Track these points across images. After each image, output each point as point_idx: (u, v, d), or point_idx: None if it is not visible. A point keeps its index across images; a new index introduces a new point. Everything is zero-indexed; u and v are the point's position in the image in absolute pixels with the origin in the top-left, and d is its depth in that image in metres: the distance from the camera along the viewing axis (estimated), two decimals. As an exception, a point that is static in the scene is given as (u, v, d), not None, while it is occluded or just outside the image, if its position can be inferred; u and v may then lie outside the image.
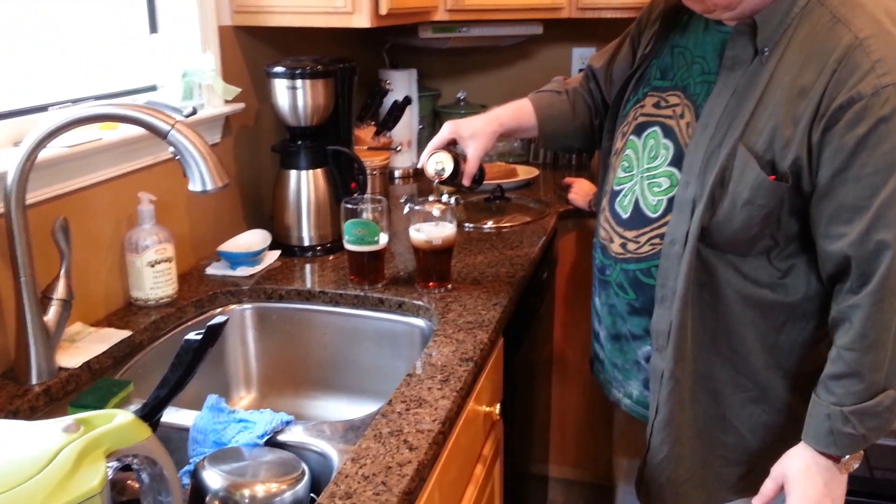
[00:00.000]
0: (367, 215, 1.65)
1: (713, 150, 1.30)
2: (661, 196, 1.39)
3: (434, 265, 1.65)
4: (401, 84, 2.56)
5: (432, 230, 1.62)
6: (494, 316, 1.54)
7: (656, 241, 1.39)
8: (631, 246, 1.44)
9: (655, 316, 1.40)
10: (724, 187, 1.29)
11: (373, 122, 2.32)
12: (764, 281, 1.34)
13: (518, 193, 2.44)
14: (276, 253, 1.89)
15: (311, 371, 1.73)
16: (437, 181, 1.63)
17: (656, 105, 1.45)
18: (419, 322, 1.62)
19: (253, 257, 1.80)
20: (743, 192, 1.27)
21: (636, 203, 1.43)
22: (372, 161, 2.12)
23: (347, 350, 1.70)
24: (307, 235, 1.92)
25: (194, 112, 1.67)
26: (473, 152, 1.65)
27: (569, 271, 2.35)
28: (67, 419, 0.86)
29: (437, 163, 1.62)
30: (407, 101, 2.30)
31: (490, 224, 2.13)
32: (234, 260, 1.79)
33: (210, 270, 1.80)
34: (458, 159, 1.64)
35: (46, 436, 0.82)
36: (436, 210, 1.62)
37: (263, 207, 2.07)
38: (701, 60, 1.39)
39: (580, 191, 2.31)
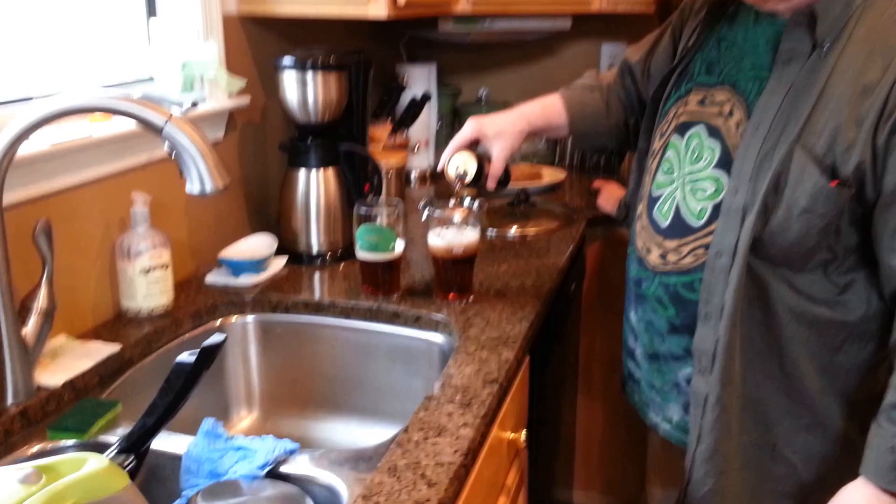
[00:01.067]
0: (381, 220, 1.50)
1: (766, 152, 1.19)
2: (706, 202, 1.25)
3: (454, 275, 1.50)
4: (419, 80, 2.41)
5: (453, 237, 1.47)
6: (521, 332, 1.39)
7: (700, 251, 1.26)
8: (671, 257, 1.30)
9: (698, 335, 1.26)
10: (779, 194, 1.17)
11: (389, 120, 2.17)
12: (820, 297, 1.22)
13: (543, 198, 2.29)
14: (283, 260, 1.75)
15: (318, 390, 1.59)
16: (458, 185, 1.49)
17: (701, 102, 1.32)
18: (438, 338, 1.47)
19: (257, 265, 1.66)
20: (800, 200, 1.16)
21: (677, 210, 1.30)
22: (388, 161, 1.98)
23: (359, 367, 1.56)
24: (316, 241, 1.77)
25: (195, 106, 1.54)
26: (499, 153, 1.51)
27: (596, 282, 2.20)
28: (27, 467, 0.72)
29: (459, 164, 1.48)
30: (426, 97, 2.15)
31: (514, 230, 1.98)
32: (237, 267, 1.65)
33: (210, 278, 1.66)
34: (482, 160, 1.50)
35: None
36: (457, 215, 1.47)
37: (270, 210, 1.93)
38: (752, 54, 1.27)
39: (610, 196, 2.16)
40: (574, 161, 2.65)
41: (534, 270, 1.69)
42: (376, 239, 1.50)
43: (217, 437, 1.15)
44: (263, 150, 1.87)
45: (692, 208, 1.28)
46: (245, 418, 1.59)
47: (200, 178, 1.11)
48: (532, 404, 1.55)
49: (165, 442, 1.14)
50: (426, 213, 1.49)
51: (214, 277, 1.66)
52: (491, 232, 1.96)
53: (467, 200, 1.51)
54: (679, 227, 1.29)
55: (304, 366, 1.58)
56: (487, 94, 2.72)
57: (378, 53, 2.58)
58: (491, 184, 1.53)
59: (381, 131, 2.11)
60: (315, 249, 1.78)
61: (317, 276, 1.71)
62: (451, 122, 2.72)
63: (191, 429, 1.18)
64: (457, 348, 1.34)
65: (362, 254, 1.52)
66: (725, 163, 1.25)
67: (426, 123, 2.44)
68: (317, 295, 1.59)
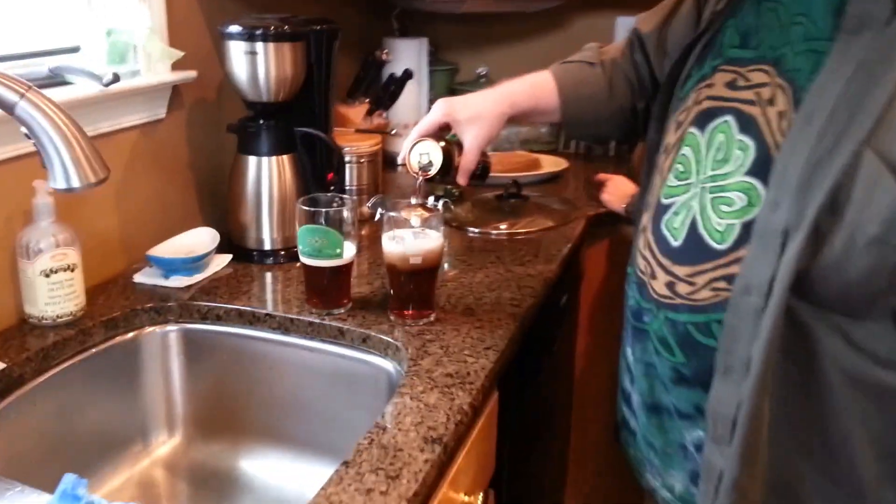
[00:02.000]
0: (325, 220, 1.26)
1: (822, 155, 0.89)
2: (733, 219, 0.98)
3: (411, 289, 1.26)
4: (407, 55, 2.16)
5: (410, 242, 1.23)
6: (484, 366, 1.15)
7: (721, 284, 0.98)
8: (682, 288, 1.03)
9: (715, 393, 0.98)
10: (838, 214, 0.88)
11: (368, 100, 1.93)
12: (885, 356, 0.94)
13: (540, 190, 2.03)
14: (226, 258, 1.52)
15: (250, 415, 1.36)
16: (421, 178, 1.25)
17: (731, 84, 1.03)
18: (386, 364, 1.24)
19: (191, 263, 1.43)
20: (869, 224, 0.87)
21: (692, 226, 1.02)
22: (358, 146, 1.73)
23: (297, 391, 1.33)
24: (268, 237, 1.54)
25: (116, 80, 1.29)
26: (472, 141, 1.26)
27: (597, 290, 1.95)
28: None
29: (421, 154, 1.24)
30: (407, 74, 1.90)
31: (500, 229, 1.73)
32: (167, 266, 1.42)
33: (139, 278, 1.43)
34: (452, 150, 1.25)
35: None
36: (414, 218, 1.23)
37: (224, 200, 1.69)
38: (804, 20, 0.97)
39: (616, 190, 1.90)
40: (580, 149, 2.38)
41: (515, 281, 1.44)
42: (320, 242, 1.26)
43: (76, 500, 0.92)
44: (218, 132, 1.63)
45: (713, 225, 1.00)
46: (165, 443, 1.37)
47: (65, 170, 0.88)
48: (502, 453, 1.31)
49: (16, 500, 0.92)
50: (379, 213, 1.25)
51: (144, 277, 1.43)
52: (473, 231, 1.71)
53: (431, 200, 1.27)
54: (694, 250, 1.02)
55: (235, 386, 1.36)
56: (488, 73, 2.46)
57: (368, 27, 2.33)
58: (462, 179, 1.28)
59: (355, 112, 1.87)
60: (267, 245, 1.55)
61: (265, 277, 1.48)
62: (447, 101, 2.46)
63: (54, 477, 0.95)
64: (401, 385, 1.10)
65: (305, 259, 1.29)
66: (762, 167, 0.96)
67: (415, 105, 2.19)
68: (255, 303, 1.35)
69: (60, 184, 0.88)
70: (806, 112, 0.92)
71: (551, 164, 2.17)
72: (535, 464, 1.69)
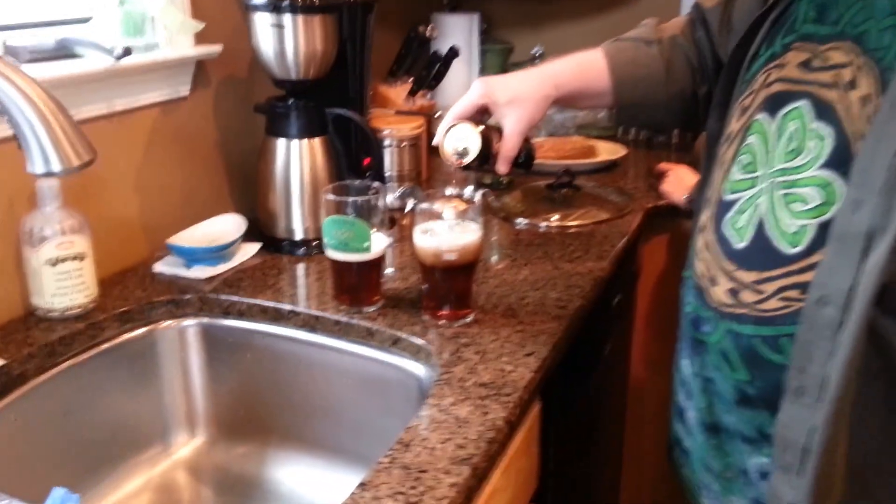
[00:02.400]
0: (353, 210, 1.14)
1: None
2: (807, 219, 0.85)
3: (446, 287, 1.14)
4: (457, 31, 2.04)
5: (444, 237, 1.11)
6: (524, 376, 1.02)
7: (792, 293, 0.85)
8: (747, 296, 0.89)
9: (784, 417, 0.85)
10: None
11: (410, 80, 1.80)
12: None
13: (595, 180, 1.89)
14: (254, 247, 1.42)
15: (277, 417, 1.26)
16: (456, 166, 1.12)
17: (806, 65, 0.90)
18: (418, 369, 1.12)
19: (215, 253, 1.33)
20: None
21: (760, 226, 0.89)
22: (398, 129, 1.61)
23: (325, 395, 1.22)
24: (299, 226, 1.43)
25: (127, 53, 1.20)
26: (513, 125, 1.13)
27: (655, 289, 1.80)
28: None
29: (457, 139, 1.12)
30: (452, 52, 1.77)
31: (550, 221, 1.60)
32: (188, 256, 1.32)
33: (159, 268, 1.34)
34: (490, 135, 1.13)
35: None
36: (448, 210, 1.10)
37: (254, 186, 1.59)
38: None
39: (678, 182, 1.75)
40: (640, 136, 2.22)
41: (563, 279, 1.31)
42: (346, 235, 1.14)
43: (64, 518, 0.82)
44: (248, 112, 1.52)
45: (784, 227, 0.87)
46: (186, 444, 1.28)
47: (43, 152, 0.77)
48: (547, 467, 1.18)
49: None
50: (410, 204, 1.13)
51: (165, 267, 1.34)
52: (521, 222, 1.58)
53: (469, 190, 1.14)
54: (762, 253, 0.89)
55: (259, 386, 1.26)
56: (543, 52, 2.31)
57: (417, 2, 2.20)
58: (502, 166, 1.15)
59: (396, 92, 1.75)
60: (297, 236, 1.44)
61: (293, 270, 1.37)
62: (500, 83, 2.32)
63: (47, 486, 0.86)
64: (431, 395, 0.98)
65: (331, 253, 1.17)
66: (841, 160, 0.83)
67: (464, 85, 2.04)
68: (280, 298, 1.24)
69: (39, 167, 0.78)
70: (894, 97, 0.78)
71: (608, 151, 2.03)
72: (584, 477, 1.56)
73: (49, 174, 0.78)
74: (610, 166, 1.99)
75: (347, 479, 1.18)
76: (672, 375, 1.12)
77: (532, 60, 2.30)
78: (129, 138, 1.33)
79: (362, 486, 0.82)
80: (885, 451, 0.83)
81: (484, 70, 2.24)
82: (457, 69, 1.95)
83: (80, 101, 1.21)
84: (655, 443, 1.60)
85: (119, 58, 1.18)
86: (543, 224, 1.58)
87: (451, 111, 1.14)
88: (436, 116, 1.78)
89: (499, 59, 2.34)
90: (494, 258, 1.42)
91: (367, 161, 1.50)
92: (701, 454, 1.03)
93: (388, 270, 1.34)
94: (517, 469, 1.05)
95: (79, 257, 1.16)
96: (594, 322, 1.34)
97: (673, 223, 1.76)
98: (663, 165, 1.84)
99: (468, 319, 1.16)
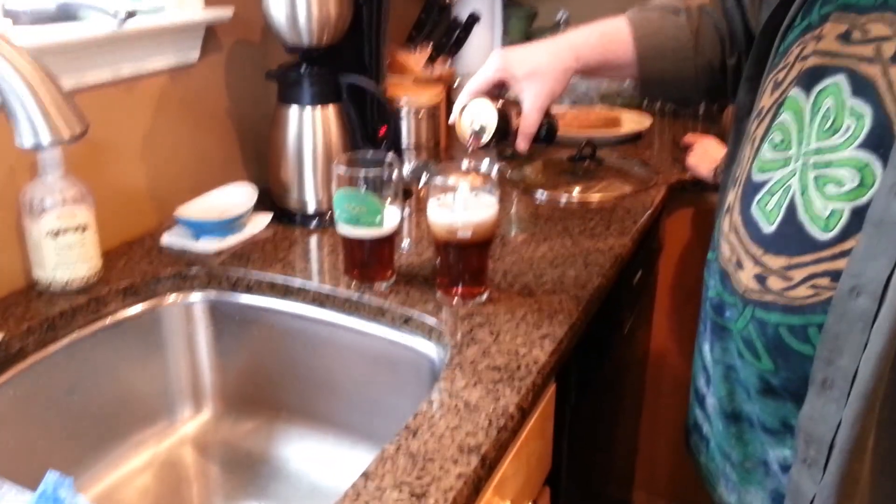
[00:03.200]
0: (364, 182, 1.10)
1: None
2: (841, 203, 0.78)
3: (460, 264, 1.10)
4: (479, -3, 1.97)
5: (458, 213, 1.06)
6: (538, 359, 0.98)
7: (824, 281, 0.79)
8: (775, 282, 0.84)
9: (809, 409, 0.80)
10: None
11: (430, 46, 1.75)
12: None
13: (619, 152, 1.83)
14: (266, 218, 1.38)
15: (286, 393, 1.23)
16: (473, 145, 1.07)
17: (845, 37, 0.83)
18: (430, 349, 1.08)
19: (225, 225, 1.29)
20: None
21: (790, 208, 0.83)
22: (416, 98, 1.56)
23: (335, 372, 1.19)
24: (312, 198, 1.39)
25: (131, 16, 1.15)
26: (532, 100, 1.08)
27: (678, 265, 1.75)
28: None
29: (473, 117, 1.06)
30: (473, 18, 1.70)
31: (571, 194, 1.54)
32: (197, 229, 1.29)
33: (167, 239, 1.31)
34: (508, 112, 1.07)
35: None
36: (463, 185, 1.06)
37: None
38: None
39: (704, 154, 1.69)
40: (667, 106, 2.16)
41: (583, 256, 1.27)
42: (358, 210, 1.10)
43: (57, 502, 0.79)
44: (261, 79, 1.47)
45: (817, 210, 0.81)
46: (191, 419, 1.25)
47: (31, 124, 0.73)
48: (561, 448, 1.15)
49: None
50: (424, 178, 1.08)
51: (172, 238, 1.31)
52: (541, 194, 1.53)
53: (486, 164, 1.09)
54: (792, 238, 0.83)
55: (267, 362, 1.22)
56: (568, 18, 2.24)
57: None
58: (522, 144, 1.10)
59: (415, 59, 1.69)
60: (310, 209, 1.40)
61: (304, 243, 1.33)
62: (523, 50, 2.26)
63: (41, 470, 0.83)
64: (442, 377, 0.94)
65: (342, 228, 1.13)
66: (880, 140, 0.76)
67: (486, 52, 1.98)
68: (289, 273, 1.20)
69: (27, 140, 0.74)
70: None
71: (632, 121, 1.96)
72: (599, 458, 1.53)
73: (38, 147, 0.74)
74: (634, 138, 1.93)
75: (355, 457, 1.16)
76: (693, 357, 1.08)
77: (557, 26, 2.23)
78: (137, 105, 1.29)
79: (365, 476, 0.78)
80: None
81: (506, 36, 2.18)
82: (478, 35, 1.89)
83: (85, 66, 1.18)
84: (673, 423, 1.56)
85: (122, 21, 1.13)
86: (564, 197, 1.52)
87: (466, 87, 1.09)
88: (455, 85, 1.72)
89: (522, 24, 2.27)
90: (513, 233, 1.37)
91: (382, 131, 1.45)
92: (720, 442, 0.98)
93: (404, 243, 1.30)
94: (529, 453, 1.01)
95: (81, 228, 1.12)
96: (614, 299, 1.30)
97: (698, 197, 1.70)
98: (689, 137, 1.78)
99: (483, 298, 1.12)
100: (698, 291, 1.05)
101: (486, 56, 1.96)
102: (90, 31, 1.14)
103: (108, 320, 1.15)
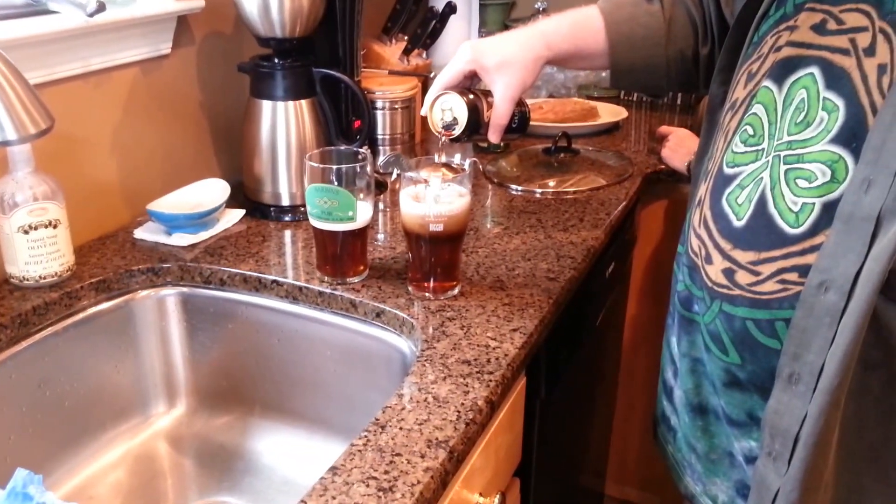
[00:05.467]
0: (337, 177, 1.10)
1: None
2: (811, 197, 0.79)
3: (433, 258, 1.10)
4: (455, -13, 1.96)
5: (430, 207, 1.06)
6: (508, 352, 0.99)
7: (791, 276, 0.80)
8: (743, 277, 0.85)
9: (775, 403, 0.81)
10: None
11: (405, 37, 1.74)
12: None
13: (595, 143, 1.84)
14: (239, 213, 1.38)
15: (259, 388, 1.23)
16: (444, 138, 1.07)
17: (819, 28, 0.83)
18: (402, 343, 1.09)
19: (196, 220, 1.29)
20: None
21: (761, 203, 0.84)
22: (391, 91, 1.56)
23: (308, 366, 1.19)
24: (285, 192, 1.39)
25: (101, 9, 1.14)
26: (504, 91, 1.08)
27: (651, 256, 1.76)
28: None
29: (444, 110, 1.07)
30: (450, 8, 1.70)
31: (546, 187, 1.55)
32: (169, 223, 1.29)
33: (140, 234, 1.30)
34: (479, 104, 1.08)
35: None
36: (435, 179, 1.06)
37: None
38: None
39: (679, 146, 1.71)
40: (644, 97, 2.16)
41: (555, 249, 1.27)
42: (330, 204, 1.10)
43: (26, 499, 0.80)
44: (234, 71, 1.47)
45: (787, 204, 0.81)
46: (165, 414, 1.25)
47: (-5, 121, 0.73)
48: (531, 440, 1.16)
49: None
50: (395, 173, 1.09)
51: (145, 233, 1.31)
52: (515, 188, 1.54)
53: (457, 158, 1.10)
54: (761, 232, 0.83)
55: (241, 356, 1.23)
56: (546, 8, 2.24)
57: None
58: (493, 135, 1.10)
59: (391, 51, 1.69)
60: (284, 201, 1.40)
61: (278, 237, 1.33)
62: (500, 41, 2.26)
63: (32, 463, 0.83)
64: (412, 371, 0.95)
65: (315, 222, 1.13)
66: (852, 134, 0.77)
67: (464, 41, 1.99)
68: (262, 268, 1.21)
69: (-8, 135, 0.73)
70: None
71: (609, 113, 1.97)
72: (571, 449, 1.54)
73: (4, 143, 0.73)
74: (610, 129, 1.93)
75: (328, 451, 1.17)
76: (661, 352, 1.09)
77: (535, 16, 2.23)
78: (108, 99, 1.28)
79: (333, 470, 0.79)
80: (884, 443, 0.79)
81: (484, 27, 2.18)
82: (454, 26, 1.88)
83: (55, 60, 1.17)
84: (645, 414, 1.57)
85: (92, 14, 1.12)
86: (539, 190, 1.53)
87: (437, 80, 1.09)
88: (431, 77, 1.72)
89: (499, 14, 2.28)
90: (487, 226, 1.37)
91: (357, 124, 1.45)
92: (686, 434, 1.00)
93: (378, 236, 1.30)
94: (498, 445, 1.02)
95: (52, 224, 1.12)
96: (587, 292, 1.31)
97: (672, 189, 1.72)
98: (664, 129, 1.79)
99: (454, 292, 1.12)
100: (670, 283, 1.06)
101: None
102: (60, 25, 1.13)
103: (81, 315, 1.15)
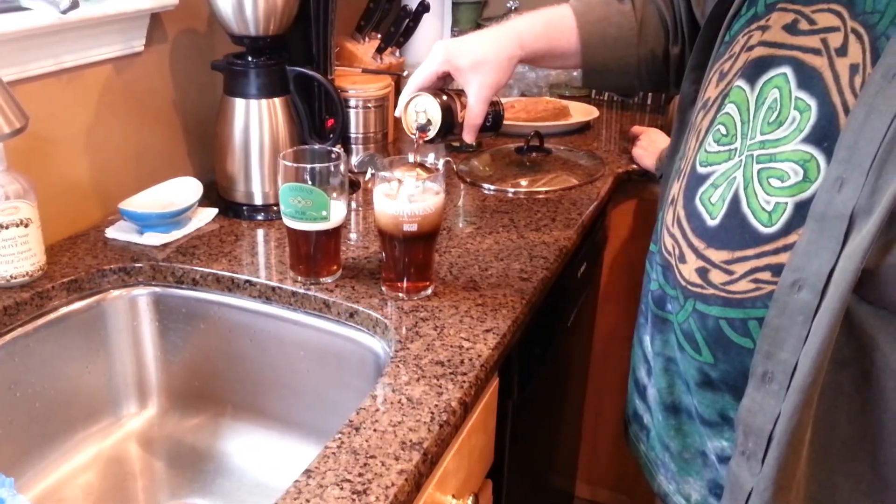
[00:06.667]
0: (310, 177, 1.10)
1: None
2: (784, 197, 0.80)
3: (406, 258, 1.11)
4: (428, -15, 1.96)
5: (404, 207, 1.06)
6: (481, 353, 0.99)
7: (764, 275, 0.81)
8: (716, 276, 0.86)
9: (748, 402, 0.82)
10: None
11: (379, 35, 1.74)
12: None
13: (567, 142, 1.85)
14: (211, 212, 1.37)
15: (232, 388, 1.23)
16: (419, 140, 1.08)
17: (791, 28, 0.84)
18: (375, 344, 1.09)
19: (168, 219, 1.28)
20: None
21: (734, 202, 0.85)
22: (364, 89, 1.56)
23: (281, 367, 1.19)
24: (258, 190, 1.39)
25: (75, 6, 1.13)
26: (477, 91, 1.08)
27: (622, 255, 1.78)
28: None
29: (418, 112, 1.07)
30: (423, 7, 1.70)
31: (519, 186, 1.56)
32: (141, 222, 1.28)
33: (112, 233, 1.29)
34: (453, 105, 1.08)
35: None
36: (409, 178, 1.06)
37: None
38: None
39: (650, 145, 1.72)
40: (615, 96, 2.18)
41: (527, 249, 1.28)
42: (303, 204, 1.10)
43: (-3, 503, 0.79)
44: (207, 69, 1.46)
45: (759, 203, 0.82)
46: (136, 415, 1.24)
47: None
48: (503, 440, 1.16)
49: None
50: (370, 173, 1.09)
51: (116, 233, 1.30)
52: (488, 188, 1.55)
53: (431, 158, 1.10)
54: (734, 232, 0.84)
55: (213, 357, 1.22)
56: (518, 7, 2.26)
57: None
58: (468, 135, 1.11)
59: (364, 50, 1.69)
60: (257, 200, 1.39)
61: (251, 236, 1.33)
62: (473, 39, 2.26)
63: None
64: (386, 372, 0.95)
65: (288, 222, 1.13)
66: (825, 134, 0.78)
67: (436, 40, 1.99)
68: (235, 267, 1.20)
69: (-35, 136, 0.73)
70: (887, 67, 0.74)
71: (581, 112, 1.98)
72: (542, 450, 1.55)
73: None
74: (582, 128, 1.95)
75: (301, 452, 1.17)
76: (632, 350, 1.10)
77: (507, 14, 2.24)
78: (80, 97, 1.27)
79: (307, 473, 0.79)
80: (856, 440, 0.81)
81: (456, 25, 2.18)
82: (427, 24, 1.88)
83: (27, 57, 1.16)
84: (615, 414, 1.59)
85: (65, 11, 1.11)
86: (511, 190, 1.54)
87: (410, 81, 1.09)
88: (405, 75, 1.72)
89: (472, 13, 2.28)
90: (460, 225, 1.38)
91: (330, 122, 1.45)
92: (660, 432, 1.01)
93: (351, 236, 1.30)
94: (471, 447, 1.03)
95: (24, 223, 1.11)
96: (558, 292, 1.32)
97: (643, 188, 1.73)
98: (636, 128, 1.81)
99: (428, 292, 1.13)
100: (641, 281, 1.07)
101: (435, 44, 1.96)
102: (32, 22, 1.12)
103: (52, 316, 1.14)
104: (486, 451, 1.11)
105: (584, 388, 1.87)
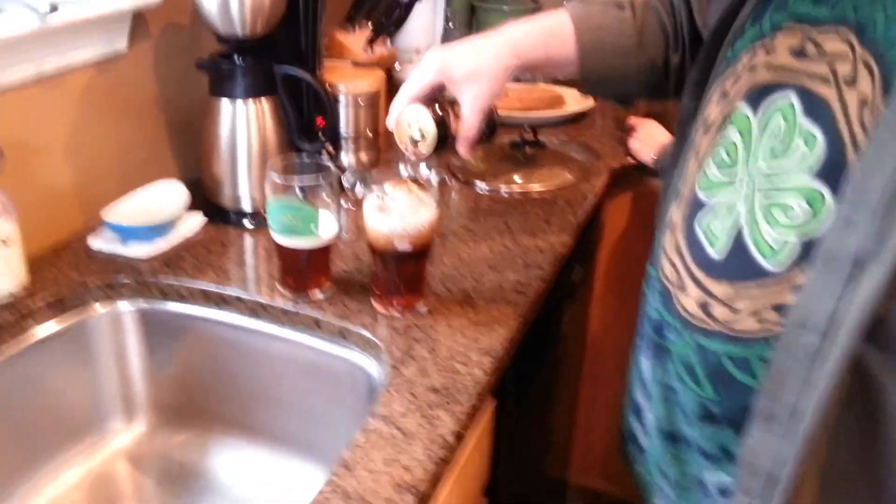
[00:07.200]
0: (300, 192, 1.07)
1: None
2: (790, 232, 0.77)
3: (398, 275, 1.08)
4: (419, -30, 1.90)
5: (396, 221, 1.03)
6: (478, 379, 0.97)
7: (770, 315, 0.78)
8: (719, 311, 0.83)
9: (752, 442, 0.79)
10: None
11: (369, 25, 1.69)
12: None
13: (562, 133, 1.81)
14: (198, 219, 1.33)
15: (222, 405, 1.21)
16: (412, 156, 1.05)
17: (798, 52, 0.80)
18: (368, 363, 1.06)
19: (154, 230, 1.25)
20: None
21: (738, 235, 0.81)
22: (354, 85, 1.51)
23: (271, 384, 1.17)
24: (246, 195, 1.35)
25: (54, 9, 1.09)
26: (472, 103, 1.05)
27: (616, 248, 1.75)
28: None
29: (410, 124, 1.04)
30: (414, -5, 1.66)
31: (513, 182, 1.53)
32: (124, 233, 1.24)
33: (96, 244, 1.26)
34: (447, 118, 1.05)
35: None
36: (401, 195, 1.03)
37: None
38: None
39: (647, 138, 1.69)
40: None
41: (522, 256, 1.25)
42: (292, 220, 1.07)
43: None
44: (193, 68, 1.40)
45: (764, 238, 0.79)
46: (124, 432, 1.22)
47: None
48: (499, 456, 1.15)
49: None
50: (359, 189, 1.06)
51: (100, 243, 1.26)
52: (481, 187, 1.51)
53: (423, 169, 1.07)
54: (738, 266, 0.81)
55: (202, 373, 1.20)
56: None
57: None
58: (463, 149, 1.08)
59: (355, 40, 1.64)
60: (245, 206, 1.36)
61: (239, 245, 1.29)
62: (467, 23, 2.21)
63: None
64: (379, 401, 0.93)
65: (277, 238, 1.10)
66: (832, 169, 0.74)
67: (428, 28, 1.94)
68: (223, 281, 1.17)
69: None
70: None
71: (576, 100, 1.94)
72: (535, 454, 1.54)
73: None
74: (576, 119, 1.91)
75: (291, 470, 1.15)
76: (629, 367, 1.07)
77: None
78: (62, 102, 1.23)
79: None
80: (857, 485, 0.79)
81: (450, 8, 2.12)
82: (421, 11, 1.83)
83: (6, 63, 1.11)
84: (608, 415, 1.57)
85: (45, 14, 1.07)
86: (505, 189, 1.51)
87: (403, 91, 1.06)
88: (398, 70, 1.68)
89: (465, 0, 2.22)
90: (452, 229, 1.35)
91: (319, 121, 1.41)
92: (657, 458, 0.99)
93: (343, 236, 1.27)
94: (468, 474, 1.01)
95: (3, 242, 1.08)
96: (552, 296, 1.29)
97: (638, 181, 1.70)
98: (633, 120, 1.77)
99: (422, 311, 1.10)
100: (636, 278, 1.03)
101: (427, 33, 1.92)
102: (11, 28, 1.08)
103: (37, 334, 1.11)
104: (482, 471, 1.09)
105: (577, 388, 1.86)
